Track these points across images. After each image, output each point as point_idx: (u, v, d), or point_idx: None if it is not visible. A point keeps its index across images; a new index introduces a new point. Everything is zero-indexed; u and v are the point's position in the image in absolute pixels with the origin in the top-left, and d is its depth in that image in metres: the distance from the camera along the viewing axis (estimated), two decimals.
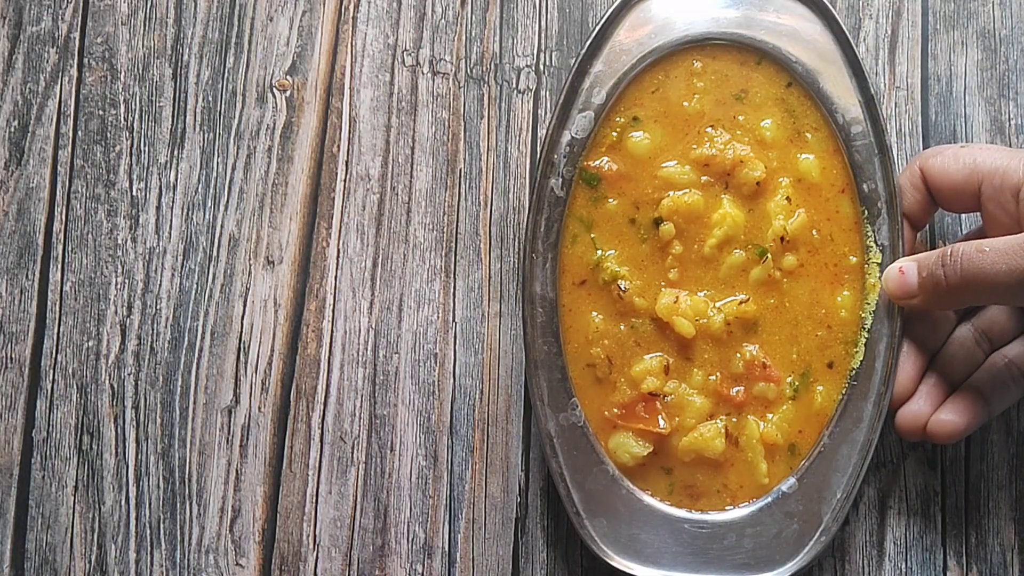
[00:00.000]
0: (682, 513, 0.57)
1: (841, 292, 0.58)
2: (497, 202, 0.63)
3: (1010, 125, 0.62)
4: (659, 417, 0.57)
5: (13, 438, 0.61)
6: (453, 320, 0.61)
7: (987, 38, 0.63)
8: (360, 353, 0.61)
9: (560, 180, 0.58)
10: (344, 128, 0.63)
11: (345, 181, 0.63)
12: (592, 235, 0.59)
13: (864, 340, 0.58)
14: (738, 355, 0.58)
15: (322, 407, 0.61)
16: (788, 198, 0.59)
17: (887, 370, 0.57)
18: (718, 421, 0.58)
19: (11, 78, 0.63)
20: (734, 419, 0.58)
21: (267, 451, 0.61)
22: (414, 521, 0.60)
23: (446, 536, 0.60)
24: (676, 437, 0.58)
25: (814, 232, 0.59)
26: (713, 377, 0.58)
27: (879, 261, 0.58)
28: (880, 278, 0.57)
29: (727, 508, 0.57)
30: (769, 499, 0.57)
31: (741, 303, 0.58)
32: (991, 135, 0.62)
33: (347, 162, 0.63)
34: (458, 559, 0.60)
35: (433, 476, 0.60)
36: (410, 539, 0.60)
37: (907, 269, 0.55)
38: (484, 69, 0.63)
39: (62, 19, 0.64)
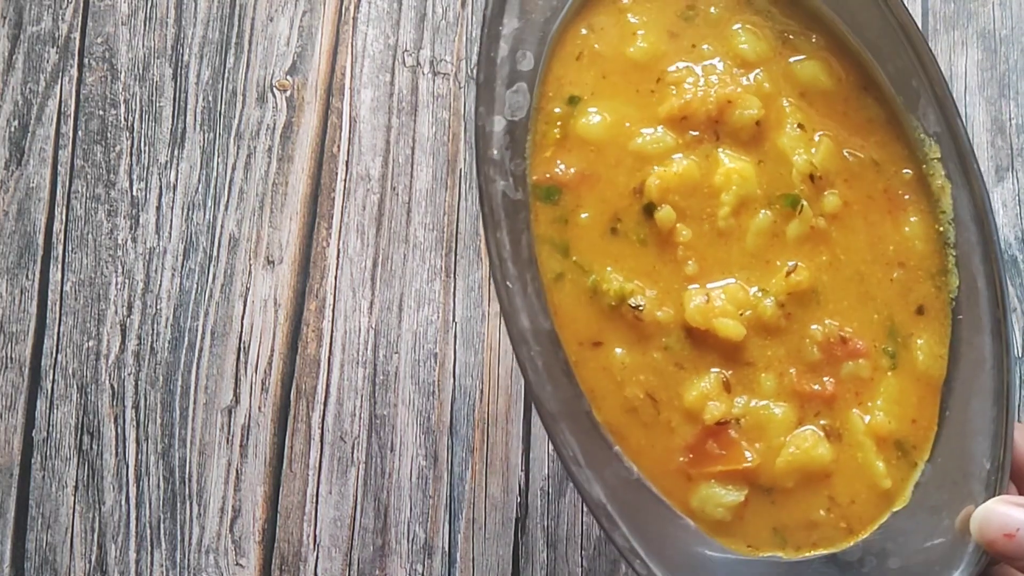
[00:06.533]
0: (801, 554, 0.45)
1: (907, 219, 0.46)
2: None
3: (1011, 125, 0.62)
4: (741, 449, 0.44)
5: (13, 438, 0.61)
6: (453, 320, 0.61)
7: (987, 38, 0.63)
8: (360, 353, 0.61)
9: (511, 180, 0.44)
10: (344, 128, 0.63)
11: (345, 181, 0.63)
12: (573, 258, 0.45)
13: (953, 259, 0.45)
14: (807, 339, 0.45)
15: (322, 407, 0.61)
16: (800, 125, 0.45)
17: (996, 289, 0.44)
18: (812, 427, 0.45)
19: (11, 78, 0.63)
20: (824, 420, 0.45)
21: (267, 451, 0.61)
22: (414, 521, 0.60)
23: (446, 536, 0.60)
24: (767, 464, 0.45)
25: (847, 154, 0.46)
26: (787, 377, 0.45)
27: (938, 156, 0.45)
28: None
29: (854, 529, 0.45)
30: (902, 500, 0.45)
31: (789, 273, 0.45)
32: (991, 135, 0.62)
33: (347, 162, 0.63)
34: (458, 559, 0.60)
35: (433, 476, 0.60)
36: (410, 539, 0.60)
37: (1023, 530, 0.41)
38: None
39: (62, 19, 0.64)
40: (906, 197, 0.46)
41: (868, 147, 0.46)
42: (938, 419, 0.45)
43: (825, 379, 0.45)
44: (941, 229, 0.46)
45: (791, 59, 0.46)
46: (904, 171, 0.46)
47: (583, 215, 0.45)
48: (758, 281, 0.45)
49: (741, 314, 0.45)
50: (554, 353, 0.44)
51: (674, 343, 0.45)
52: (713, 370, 0.45)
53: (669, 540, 0.43)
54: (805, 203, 0.45)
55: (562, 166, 0.45)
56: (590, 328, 0.45)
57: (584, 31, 0.46)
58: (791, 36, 0.46)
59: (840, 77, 0.46)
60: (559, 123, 0.46)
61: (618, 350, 0.45)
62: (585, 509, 0.59)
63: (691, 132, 0.46)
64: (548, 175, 0.45)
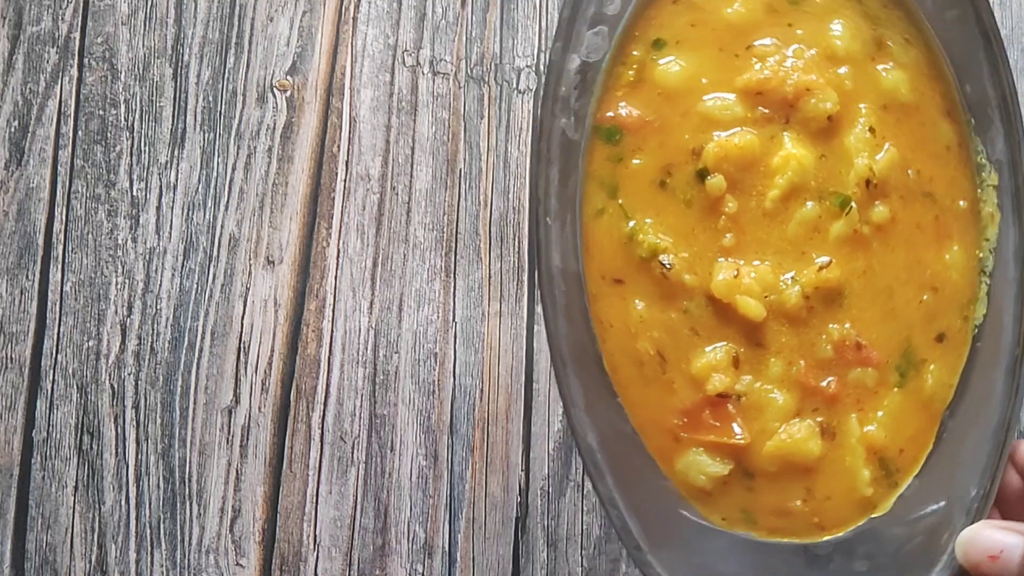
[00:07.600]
0: (773, 538, 0.45)
1: (950, 247, 0.46)
2: (497, 202, 0.63)
3: None
4: (733, 424, 0.45)
5: (13, 438, 0.61)
6: (453, 320, 0.61)
7: None
8: (360, 353, 0.61)
9: (572, 119, 0.45)
10: (344, 128, 0.63)
11: (345, 181, 0.63)
12: (619, 201, 0.45)
13: (986, 288, 0.46)
14: (824, 336, 0.45)
15: (322, 407, 0.61)
16: (871, 129, 0.45)
17: (1021, 328, 0.45)
18: (808, 420, 0.45)
19: (11, 78, 0.63)
20: (821, 418, 0.46)
21: (267, 451, 0.61)
22: (414, 521, 0.60)
23: (446, 536, 0.60)
24: (757, 446, 0.45)
25: (909, 172, 0.46)
26: (796, 367, 0.46)
27: (995, 184, 0.46)
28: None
29: (826, 526, 0.45)
30: (883, 508, 0.46)
31: (821, 269, 0.45)
32: None
33: (347, 162, 0.63)
34: (458, 559, 0.60)
35: (433, 476, 0.60)
36: (410, 539, 0.60)
37: (1007, 552, 0.41)
38: (484, 69, 0.63)
39: (62, 19, 0.64)
40: (954, 226, 0.46)
41: (935, 176, 0.46)
42: (935, 438, 0.46)
43: (831, 378, 0.46)
44: (980, 255, 0.46)
45: (880, 66, 0.46)
46: (960, 202, 0.46)
47: (636, 160, 0.45)
48: (790, 269, 0.45)
49: (765, 296, 0.45)
50: (577, 294, 0.45)
51: (694, 308, 0.45)
52: (724, 343, 0.45)
53: (649, 497, 0.44)
54: (854, 206, 0.45)
55: (627, 108, 0.46)
56: (616, 266, 0.45)
57: None
58: (890, 43, 0.46)
59: (924, 95, 0.46)
60: (635, 66, 0.46)
61: (639, 304, 0.45)
62: (586, 508, 0.59)
63: (762, 109, 0.46)
64: (612, 115, 0.46)
